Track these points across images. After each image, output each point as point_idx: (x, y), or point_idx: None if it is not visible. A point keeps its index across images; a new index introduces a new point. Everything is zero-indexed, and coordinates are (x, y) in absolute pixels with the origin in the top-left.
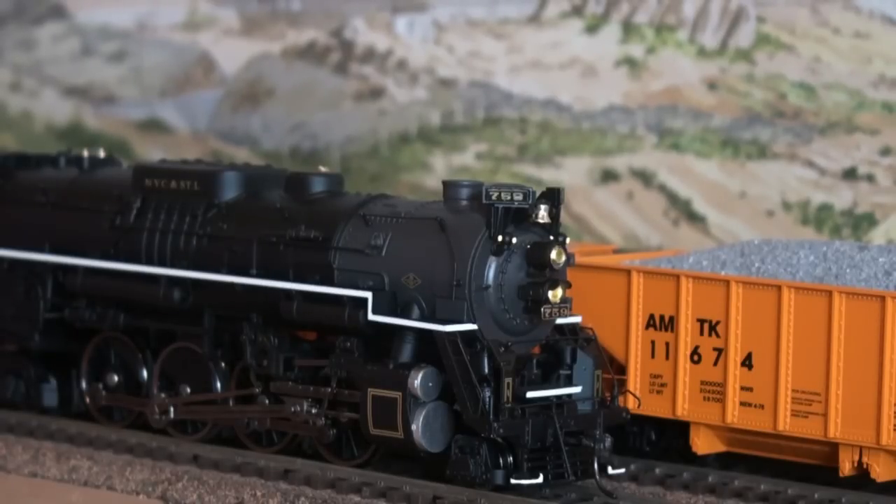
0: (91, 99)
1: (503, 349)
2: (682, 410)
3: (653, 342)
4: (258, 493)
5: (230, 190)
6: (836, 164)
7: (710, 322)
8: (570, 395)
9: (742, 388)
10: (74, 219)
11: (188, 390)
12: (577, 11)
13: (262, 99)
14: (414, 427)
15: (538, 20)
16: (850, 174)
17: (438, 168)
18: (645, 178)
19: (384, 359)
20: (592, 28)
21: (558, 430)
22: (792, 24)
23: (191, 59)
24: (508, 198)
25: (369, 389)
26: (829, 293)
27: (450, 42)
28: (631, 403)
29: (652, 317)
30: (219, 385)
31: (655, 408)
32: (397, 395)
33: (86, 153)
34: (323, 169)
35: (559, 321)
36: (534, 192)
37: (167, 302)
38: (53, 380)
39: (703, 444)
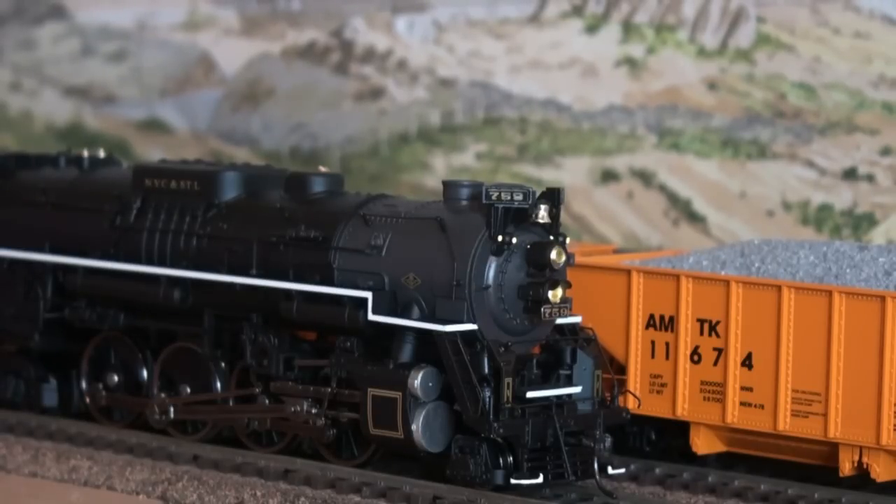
0: (91, 99)
1: (503, 349)
2: (682, 410)
3: (653, 342)
4: (258, 493)
5: (230, 190)
6: (836, 164)
7: (710, 322)
8: (570, 395)
9: (742, 388)
10: (74, 219)
11: (188, 390)
12: (577, 11)
13: (262, 99)
14: (414, 427)
15: (538, 20)
16: (850, 174)
17: (438, 168)
18: (645, 178)
19: (384, 359)
20: (592, 28)
21: (558, 430)
22: (792, 24)
23: (191, 59)
24: (508, 198)
25: (369, 389)
26: (829, 293)
27: (450, 42)
28: (631, 403)
29: (652, 317)
30: (219, 385)
31: (655, 408)
32: (397, 395)
33: (86, 153)
34: (323, 169)
35: (559, 321)
36: (534, 192)
37: (167, 302)
38: (53, 380)
39: (703, 444)
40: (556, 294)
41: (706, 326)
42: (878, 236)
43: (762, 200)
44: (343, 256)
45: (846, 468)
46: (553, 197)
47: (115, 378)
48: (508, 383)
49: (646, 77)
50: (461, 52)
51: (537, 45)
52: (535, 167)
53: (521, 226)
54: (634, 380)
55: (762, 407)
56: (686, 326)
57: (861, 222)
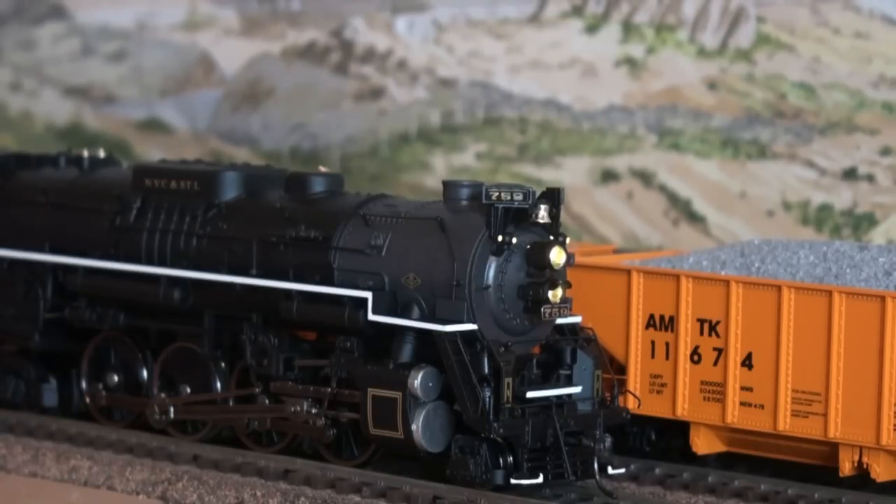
0: (91, 99)
1: (503, 349)
2: (682, 410)
3: (653, 342)
4: (258, 493)
5: (230, 190)
6: (836, 164)
7: (710, 322)
8: (570, 395)
9: (742, 388)
10: (74, 219)
11: (188, 390)
12: (577, 11)
13: (262, 99)
14: (414, 427)
15: (538, 20)
16: (850, 174)
17: (438, 168)
18: (645, 178)
19: (384, 359)
20: (592, 28)
21: (558, 430)
22: (792, 24)
23: (191, 59)
24: (508, 198)
25: (369, 389)
26: (829, 293)
27: (450, 42)
28: (631, 403)
29: (652, 317)
30: (219, 385)
31: (655, 408)
32: (397, 395)
33: (86, 153)
34: (323, 169)
35: (559, 321)
36: (534, 192)
37: (167, 302)
38: (53, 380)
39: (703, 444)
40: (556, 294)
41: (706, 326)
42: (878, 236)
43: (762, 200)
44: (343, 256)
45: (846, 468)
46: (553, 197)
47: (115, 378)
48: (508, 383)
49: (646, 77)
50: (461, 52)
51: (537, 45)
52: (535, 167)
53: (521, 226)
54: (634, 380)
55: (762, 407)
56: (686, 326)
57: (861, 222)
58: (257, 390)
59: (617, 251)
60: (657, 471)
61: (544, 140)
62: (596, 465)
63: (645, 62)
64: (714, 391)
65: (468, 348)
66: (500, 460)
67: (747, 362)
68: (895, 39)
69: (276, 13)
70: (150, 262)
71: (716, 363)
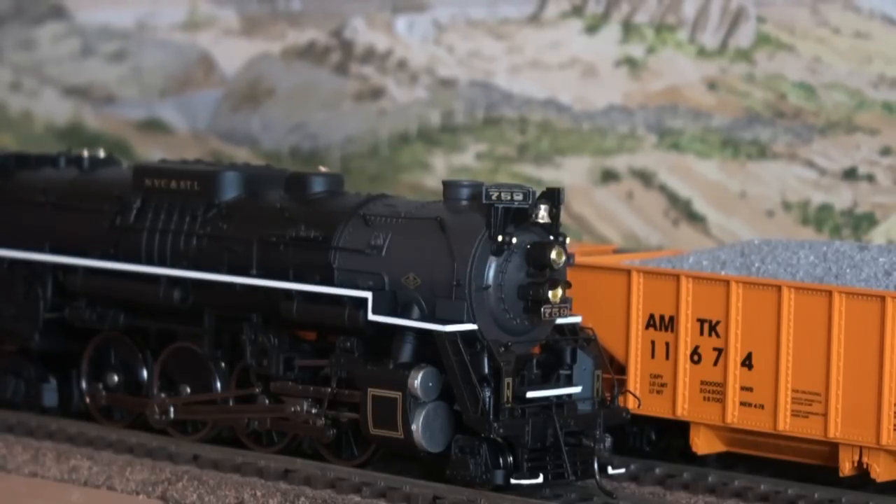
0: (91, 99)
1: (503, 349)
2: (682, 410)
3: (653, 342)
4: (258, 493)
5: (230, 190)
6: (836, 164)
7: (710, 322)
8: (570, 395)
9: (742, 388)
10: (74, 219)
11: (188, 390)
12: (577, 11)
13: (262, 99)
14: (414, 427)
15: (538, 20)
16: (850, 174)
17: (438, 168)
18: (645, 178)
19: (384, 359)
20: (592, 28)
21: (558, 430)
22: (792, 24)
23: (191, 59)
24: (508, 198)
25: (369, 389)
26: (829, 293)
27: (450, 42)
28: (631, 403)
29: (652, 317)
30: (219, 385)
31: (655, 408)
32: (397, 395)
33: (86, 153)
34: (323, 169)
35: (559, 321)
36: (534, 192)
37: (167, 302)
38: (53, 380)
39: (703, 444)
40: (556, 294)
41: (706, 326)
42: (878, 236)
43: (762, 200)
44: (343, 256)
45: (846, 468)
46: (553, 197)
47: (115, 378)
48: (508, 383)
49: (646, 77)
50: (461, 52)
51: (537, 45)
52: (535, 167)
53: (521, 226)
54: (634, 380)
55: (762, 407)
56: (686, 326)
57: (861, 222)
58: (257, 390)
59: (617, 251)
60: (657, 471)
61: (544, 140)
62: (596, 465)
63: (645, 62)
64: (714, 391)
65: (468, 348)
66: (500, 460)
67: (747, 362)
68: (895, 39)
69: (276, 13)
70: (150, 262)
71: (716, 363)
